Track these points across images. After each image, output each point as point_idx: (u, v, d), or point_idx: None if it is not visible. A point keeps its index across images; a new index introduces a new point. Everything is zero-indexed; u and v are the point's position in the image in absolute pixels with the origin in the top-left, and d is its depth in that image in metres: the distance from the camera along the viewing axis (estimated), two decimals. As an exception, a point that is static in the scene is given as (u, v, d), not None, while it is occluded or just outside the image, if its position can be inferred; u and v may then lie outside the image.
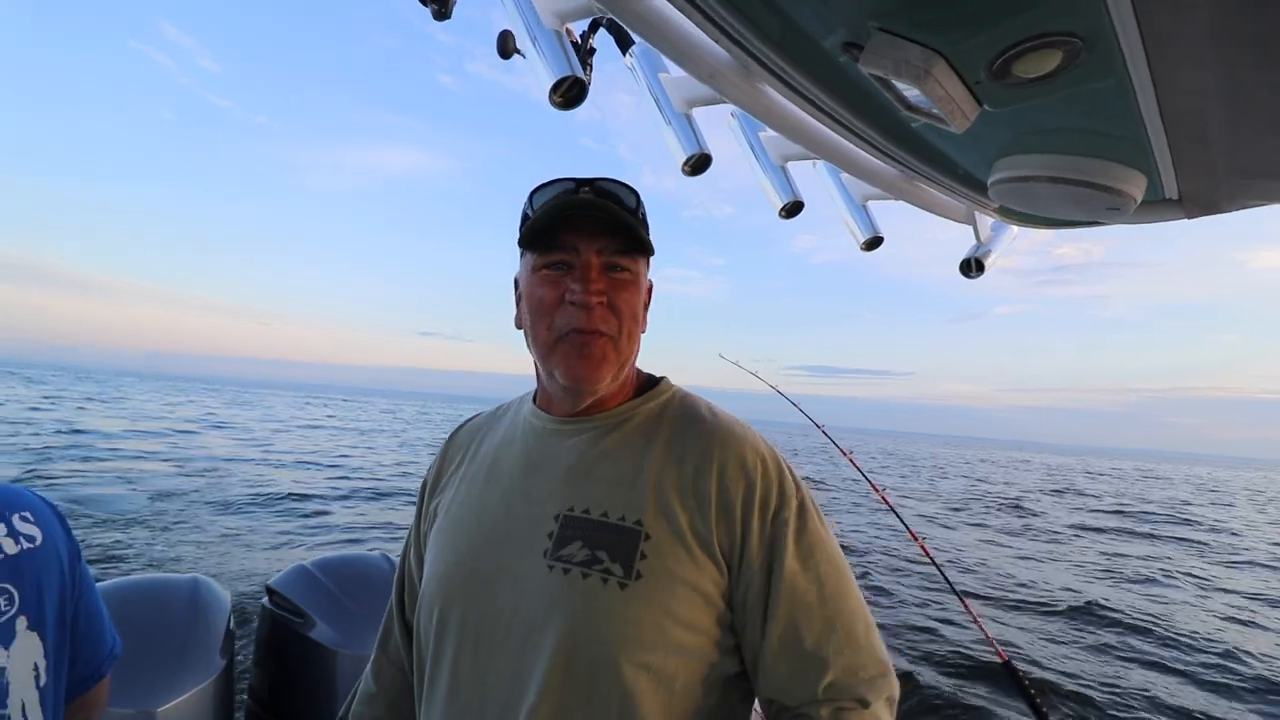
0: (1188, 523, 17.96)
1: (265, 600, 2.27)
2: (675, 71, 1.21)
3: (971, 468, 39.51)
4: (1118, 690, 5.50)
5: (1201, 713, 5.23)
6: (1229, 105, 0.75)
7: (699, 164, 1.21)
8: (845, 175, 1.52)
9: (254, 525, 9.47)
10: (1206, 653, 6.66)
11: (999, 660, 2.30)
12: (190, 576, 2.13)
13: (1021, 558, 11.30)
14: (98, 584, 1.93)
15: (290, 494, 11.91)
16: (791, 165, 1.46)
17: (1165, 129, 0.82)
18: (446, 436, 1.09)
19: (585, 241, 0.85)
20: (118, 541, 7.88)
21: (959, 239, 1.68)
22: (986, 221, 1.59)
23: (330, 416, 43.22)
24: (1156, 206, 1.10)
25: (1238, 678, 6.04)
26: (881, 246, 1.62)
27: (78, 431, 18.93)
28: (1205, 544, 14.41)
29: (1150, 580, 10.06)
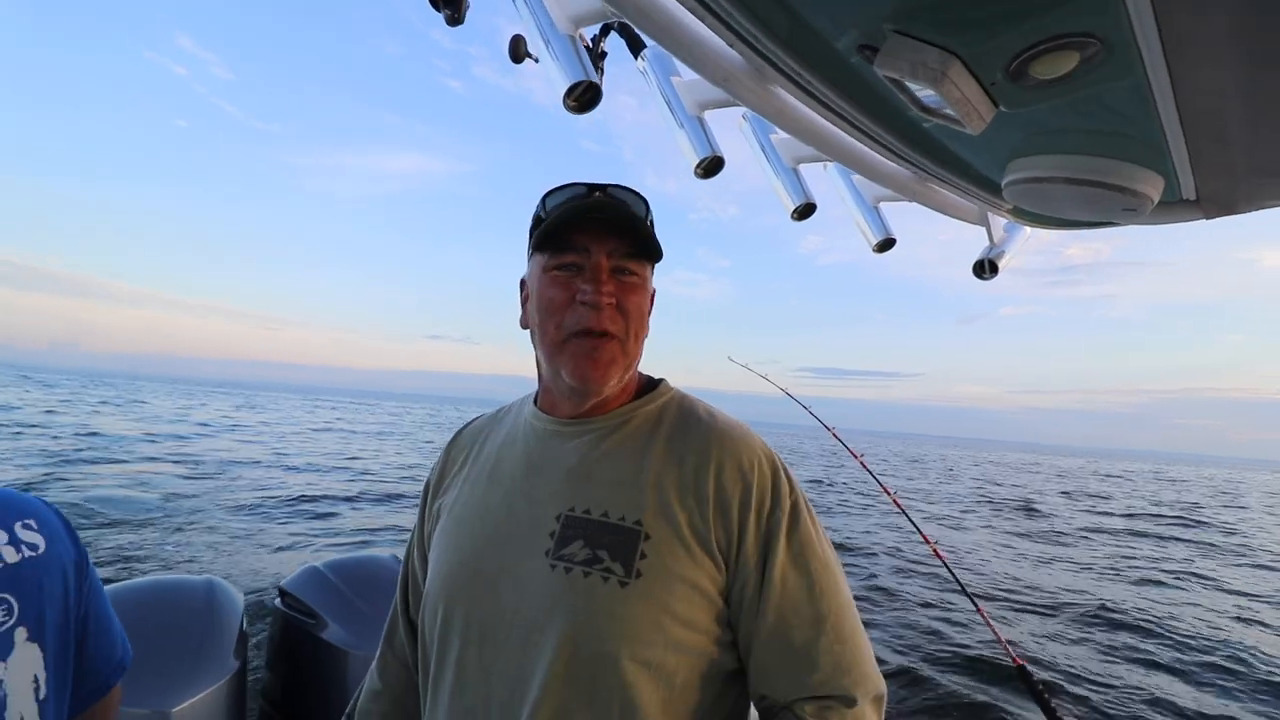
0: (1200, 524, 17.80)
1: (277, 601, 2.29)
2: (687, 75, 1.21)
3: (982, 470, 39.28)
4: (1130, 694, 5.45)
5: (1217, 716, 5.18)
6: (1249, 104, 0.75)
7: (711, 166, 1.21)
8: (857, 177, 1.52)
9: (265, 527, 9.53)
10: (1217, 655, 6.59)
11: (1012, 664, 2.28)
12: (204, 578, 2.15)
13: (1032, 559, 11.22)
14: (114, 585, 1.95)
15: (301, 496, 11.98)
16: (803, 167, 1.46)
17: (1183, 129, 0.81)
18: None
19: (596, 244, 0.87)
20: (132, 543, 7.96)
21: (968, 240, 1.67)
22: (999, 223, 1.58)
23: (339, 419, 43.43)
24: (1173, 207, 1.09)
25: (1250, 682, 5.98)
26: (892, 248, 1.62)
27: (94, 434, 19.13)
28: (1214, 545, 14.29)
29: (1161, 584, 9.97)
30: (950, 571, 2.61)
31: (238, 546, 8.24)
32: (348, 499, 12.35)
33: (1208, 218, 1.11)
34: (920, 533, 2.77)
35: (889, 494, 2.86)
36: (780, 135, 1.42)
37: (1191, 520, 18.59)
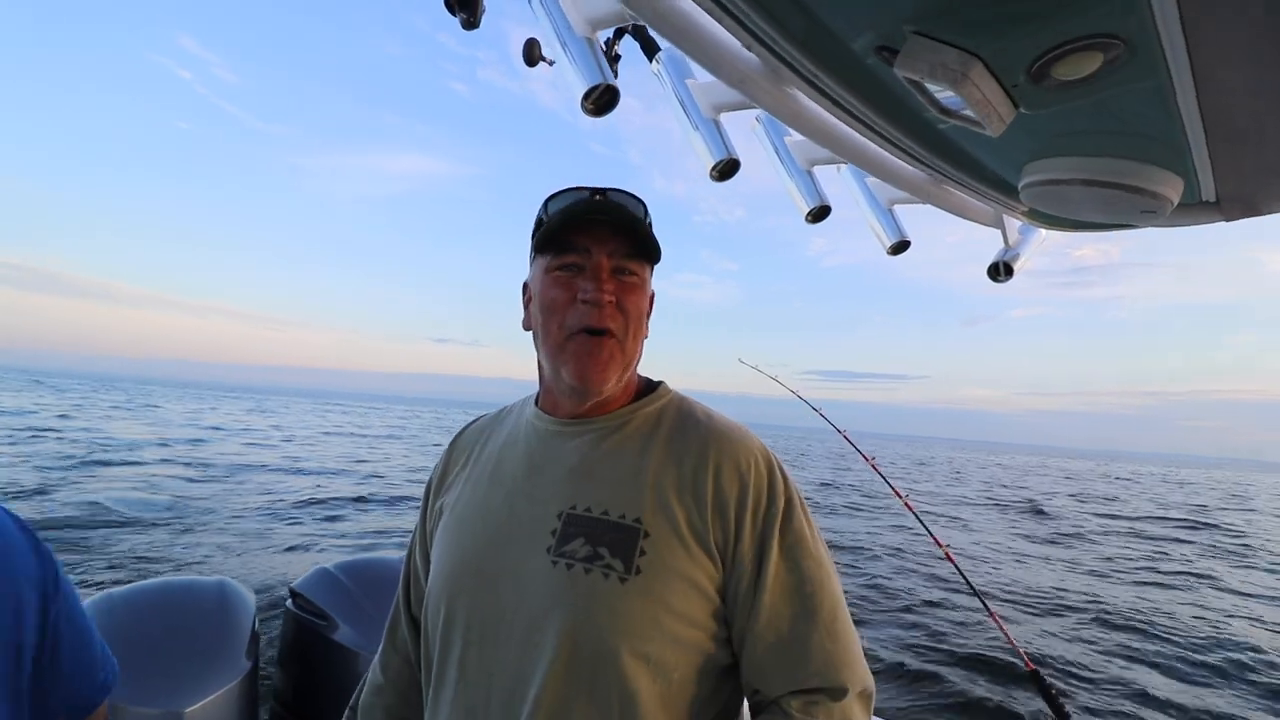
0: (1209, 527, 17.67)
1: (288, 602, 2.29)
2: (701, 78, 1.21)
3: (989, 472, 39.09)
4: (1139, 698, 5.41)
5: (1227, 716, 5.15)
6: (1272, 105, 0.74)
7: (727, 169, 1.21)
8: (871, 179, 1.51)
9: (276, 529, 9.59)
10: (1215, 657, 6.56)
11: (1025, 668, 2.27)
12: (216, 579, 2.16)
13: (1040, 561, 11.16)
14: (127, 586, 1.96)
15: (312, 499, 12.05)
16: (816, 169, 1.45)
17: (1205, 131, 0.81)
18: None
19: (596, 245, 0.90)
20: (145, 544, 8.01)
21: (978, 241, 1.66)
22: (1014, 225, 1.57)
23: (349, 422, 43.61)
24: (1192, 209, 1.08)
25: (1257, 686, 5.93)
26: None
27: (108, 438, 19.28)
28: (1223, 546, 14.18)
29: (1168, 586, 9.91)
30: (961, 574, 2.60)
31: (248, 548, 8.29)
32: (358, 500, 12.42)
33: (1227, 219, 1.10)
34: (931, 535, 2.76)
35: (900, 496, 2.85)
36: (794, 137, 1.42)
37: (1198, 523, 18.46)
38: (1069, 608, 8.12)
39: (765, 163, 1.48)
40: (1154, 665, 6.29)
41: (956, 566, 2.64)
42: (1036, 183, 0.99)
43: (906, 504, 2.82)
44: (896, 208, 1.57)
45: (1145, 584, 9.99)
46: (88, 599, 1.89)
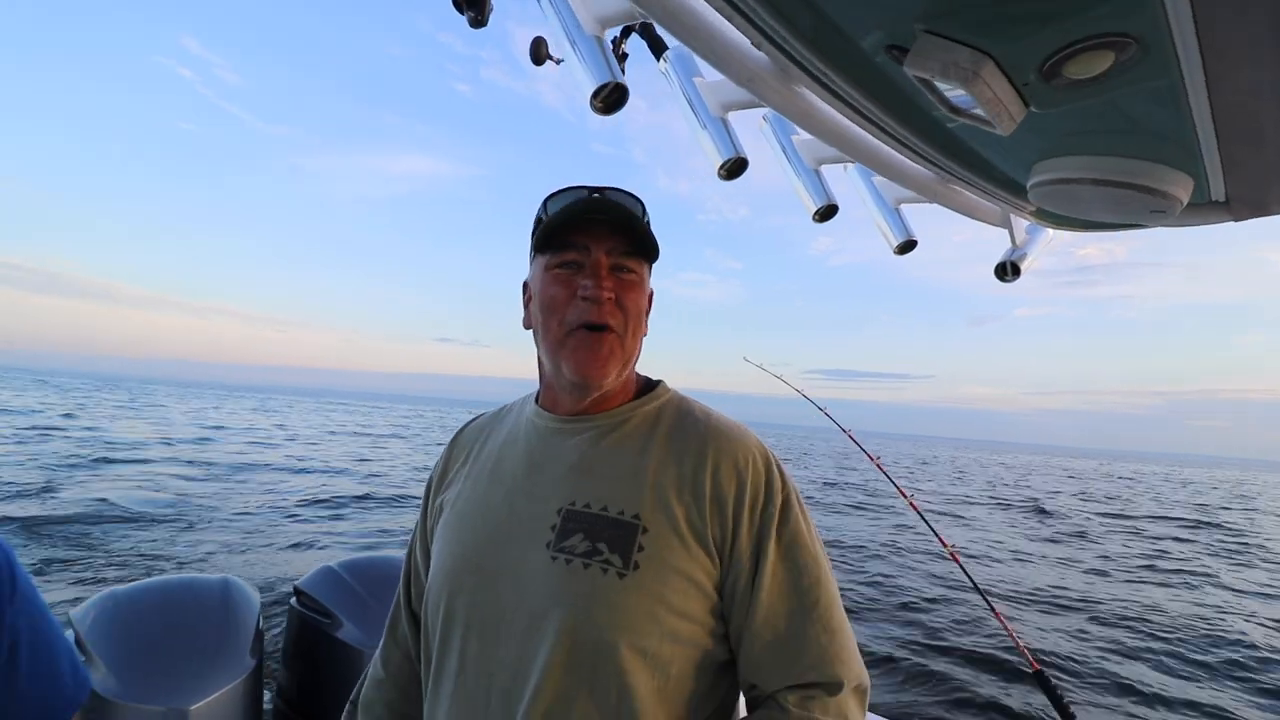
0: (1213, 526, 17.63)
1: (293, 601, 2.29)
2: (709, 76, 1.21)
3: (993, 471, 39.03)
4: (1143, 698, 5.41)
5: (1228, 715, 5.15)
6: (1286, 105, 0.73)
7: (735, 168, 1.21)
8: (878, 178, 1.51)
9: (280, 527, 9.60)
10: (1214, 656, 6.55)
11: (1030, 668, 2.27)
12: (221, 577, 2.16)
13: (1043, 560, 11.15)
14: (132, 584, 1.96)
15: (316, 499, 12.08)
16: (823, 168, 1.45)
17: (1216, 130, 0.80)
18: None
19: (595, 243, 0.91)
20: (149, 542, 8.04)
21: (984, 241, 1.66)
22: (1022, 224, 1.57)
23: (352, 421, 43.71)
24: (1202, 209, 1.08)
25: (1260, 686, 5.92)
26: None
27: (114, 438, 19.34)
28: (1226, 546, 14.16)
29: (1171, 585, 9.89)
30: (966, 573, 2.60)
31: (252, 546, 8.31)
32: (362, 499, 12.44)
33: (1237, 219, 1.10)
34: (936, 535, 2.76)
35: (905, 496, 2.85)
36: (802, 136, 1.41)
37: (1201, 522, 18.43)
38: (1069, 606, 8.12)
39: (772, 161, 1.48)
40: (1155, 665, 6.28)
41: (961, 565, 2.64)
42: (1046, 182, 0.98)
43: (911, 503, 2.82)
44: (903, 207, 1.56)
45: (1142, 583, 9.98)
46: (91, 597, 1.90)
